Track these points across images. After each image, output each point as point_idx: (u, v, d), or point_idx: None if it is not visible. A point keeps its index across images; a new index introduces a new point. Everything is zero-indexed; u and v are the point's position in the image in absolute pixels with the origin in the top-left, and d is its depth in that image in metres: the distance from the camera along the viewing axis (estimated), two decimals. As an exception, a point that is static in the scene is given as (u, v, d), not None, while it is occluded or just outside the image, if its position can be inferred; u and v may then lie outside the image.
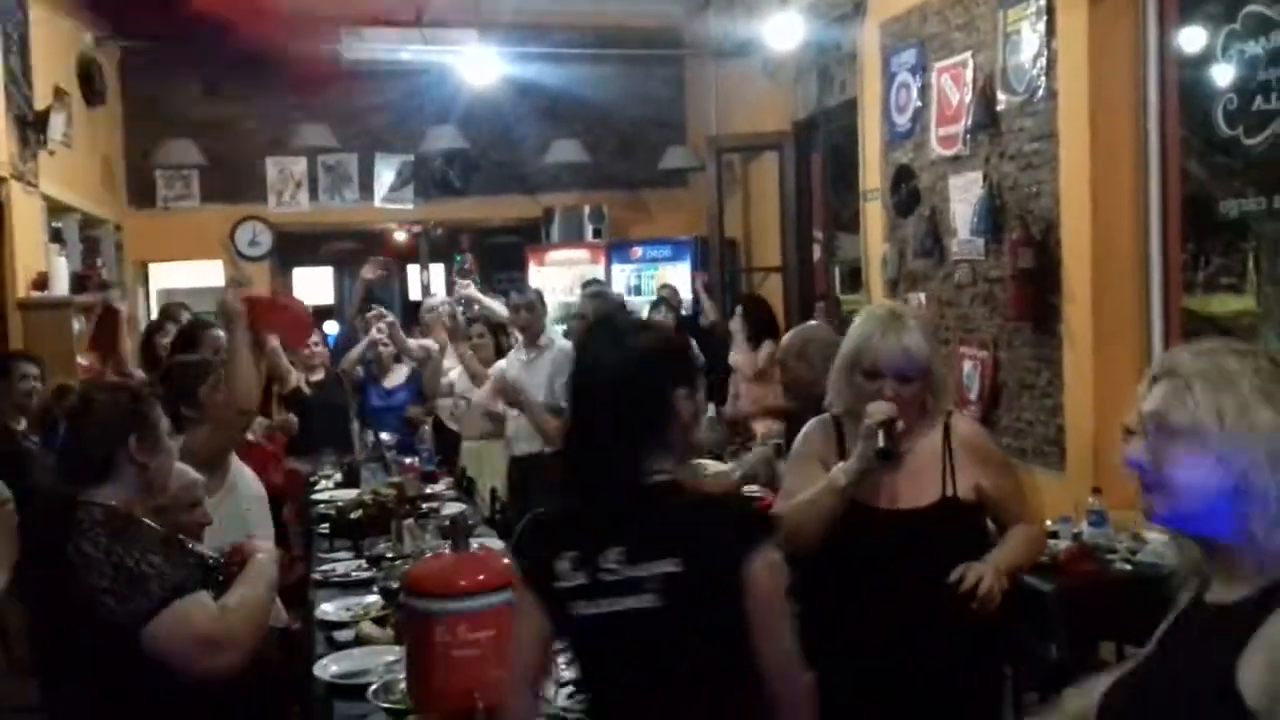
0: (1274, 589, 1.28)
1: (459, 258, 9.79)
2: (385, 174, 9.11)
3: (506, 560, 2.21)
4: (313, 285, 11.92)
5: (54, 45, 6.86)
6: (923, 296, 5.42)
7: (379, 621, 2.90)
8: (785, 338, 4.22)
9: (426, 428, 5.94)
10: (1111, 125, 4.18)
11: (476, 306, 6.71)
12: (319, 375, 6.24)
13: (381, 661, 2.58)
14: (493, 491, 5.28)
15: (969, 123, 4.94)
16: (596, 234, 9.10)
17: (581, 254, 8.92)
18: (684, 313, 7.53)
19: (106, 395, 2.29)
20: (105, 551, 2.01)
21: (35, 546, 2.23)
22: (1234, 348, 1.36)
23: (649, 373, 1.77)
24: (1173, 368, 1.35)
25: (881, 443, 2.36)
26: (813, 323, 4.84)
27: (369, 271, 6.51)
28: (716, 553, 1.69)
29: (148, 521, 2.19)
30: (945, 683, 2.40)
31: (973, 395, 4.97)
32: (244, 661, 2.10)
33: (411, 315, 8.28)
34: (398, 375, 6.60)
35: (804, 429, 2.68)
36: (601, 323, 2.67)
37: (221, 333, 4.10)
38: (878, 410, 2.39)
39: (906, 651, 2.38)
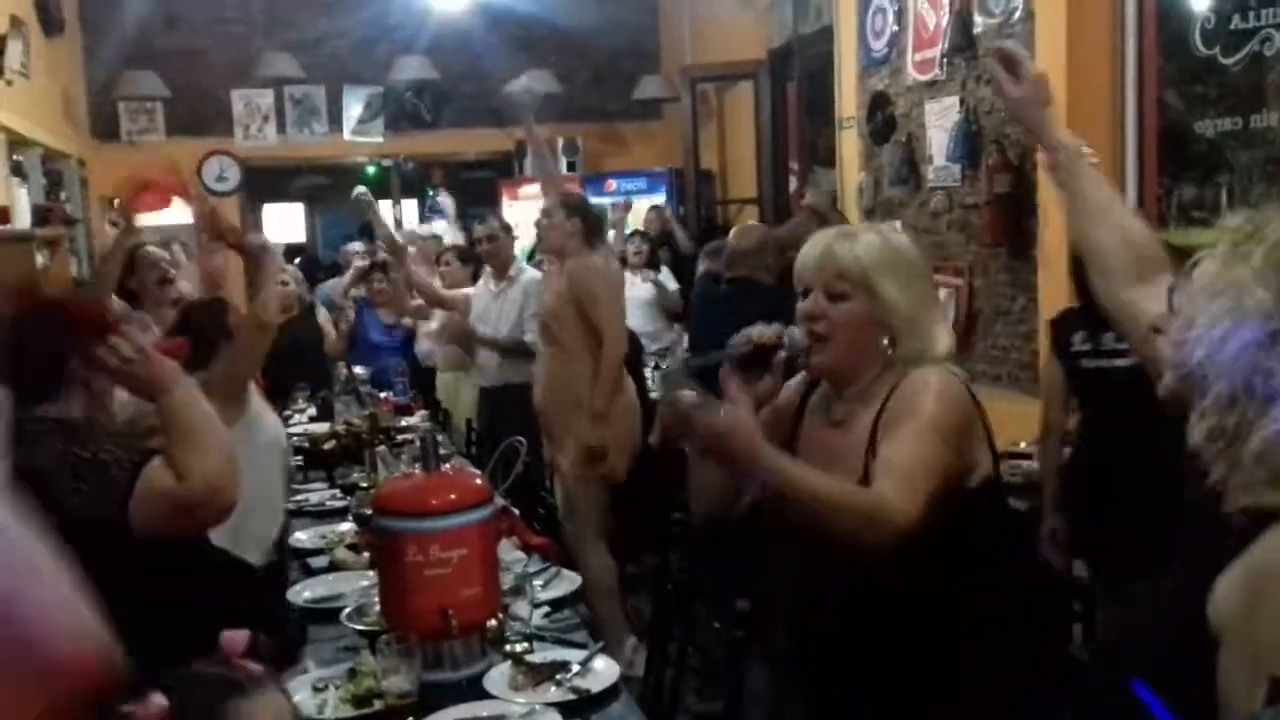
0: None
1: (430, 192, 9.66)
2: (354, 106, 8.95)
3: (479, 480, 2.20)
4: (283, 221, 11.76)
5: (7, -28, 6.65)
6: (898, 224, 5.38)
7: (353, 548, 2.89)
8: None
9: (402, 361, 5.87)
10: (1088, 45, 4.12)
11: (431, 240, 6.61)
12: (287, 316, 6.05)
13: (355, 586, 2.58)
14: (468, 423, 5.25)
15: (945, 46, 4.87)
16: (570, 167, 8.99)
17: (555, 187, 8.80)
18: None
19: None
20: (61, 455, 1.98)
21: None
22: None
23: None
24: None
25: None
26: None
27: None
28: None
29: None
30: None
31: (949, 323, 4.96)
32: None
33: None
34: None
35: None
36: None
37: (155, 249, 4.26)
38: (740, 336, 1.95)
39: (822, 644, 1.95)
